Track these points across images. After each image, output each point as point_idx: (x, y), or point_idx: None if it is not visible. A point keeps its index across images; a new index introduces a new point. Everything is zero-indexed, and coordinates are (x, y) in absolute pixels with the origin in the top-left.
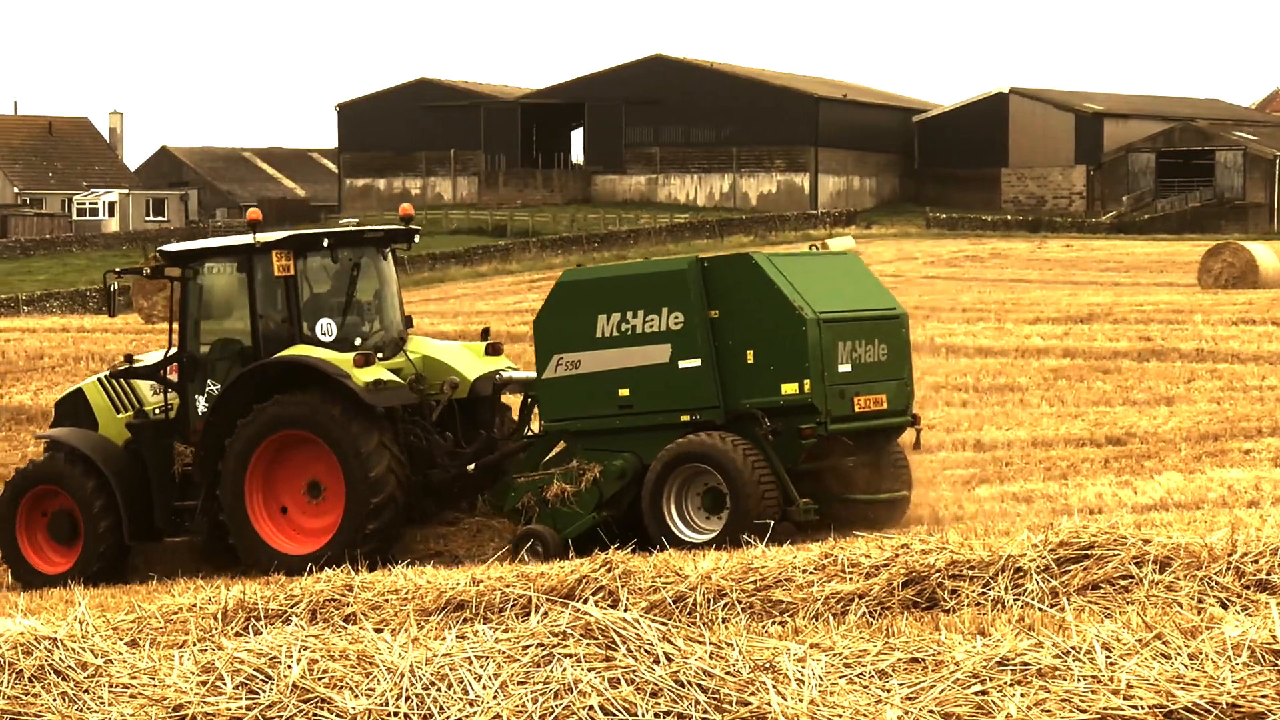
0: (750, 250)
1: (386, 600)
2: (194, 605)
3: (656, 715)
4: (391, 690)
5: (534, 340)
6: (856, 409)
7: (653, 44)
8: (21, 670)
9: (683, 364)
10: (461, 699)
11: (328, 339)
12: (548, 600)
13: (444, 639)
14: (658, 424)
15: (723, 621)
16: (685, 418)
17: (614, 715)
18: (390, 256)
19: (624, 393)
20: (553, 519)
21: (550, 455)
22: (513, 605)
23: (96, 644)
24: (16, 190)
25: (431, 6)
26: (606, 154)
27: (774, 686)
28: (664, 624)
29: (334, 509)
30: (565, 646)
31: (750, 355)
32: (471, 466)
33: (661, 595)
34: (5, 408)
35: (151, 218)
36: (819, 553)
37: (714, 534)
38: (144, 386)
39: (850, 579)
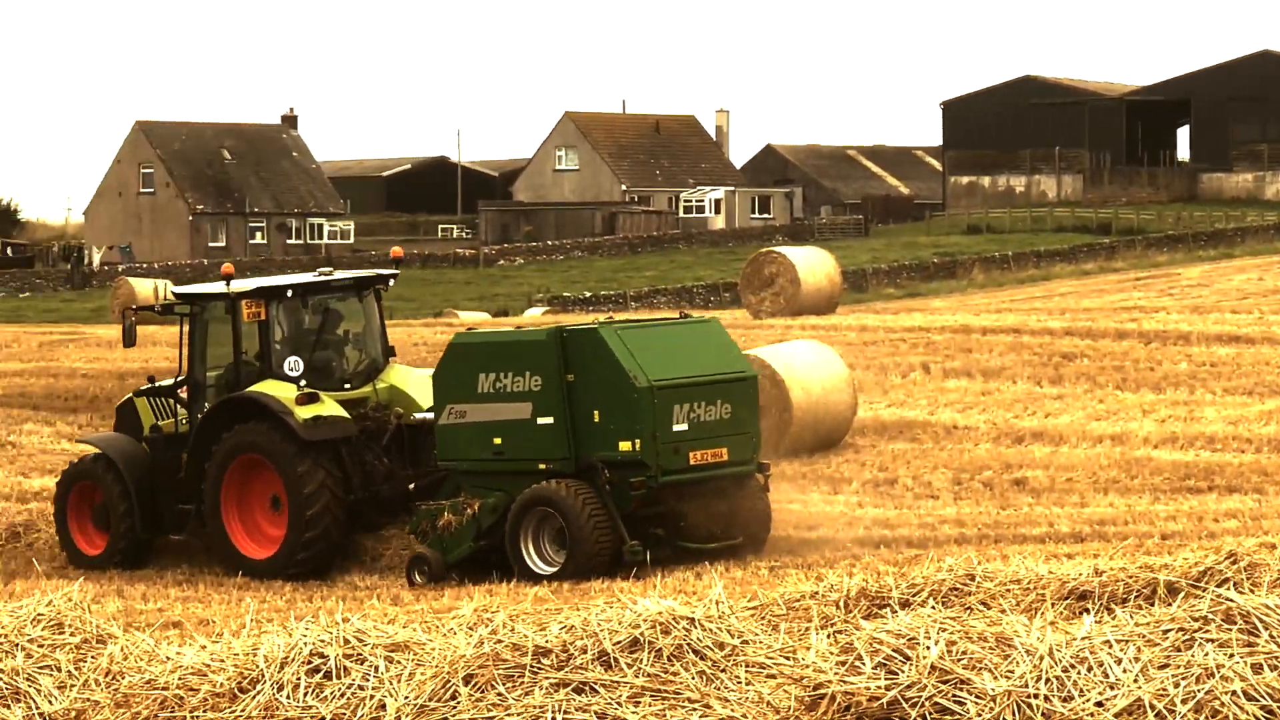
0: (601, 324)
1: (1008, 590)
2: (816, 593)
3: None
4: (1031, 672)
5: (433, 390)
6: (692, 462)
7: (1260, 40)
8: (660, 649)
9: (540, 420)
10: (1102, 682)
11: (295, 374)
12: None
13: (1081, 623)
14: (522, 470)
15: None
16: (543, 465)
17: (1257, 701)
18: (369, 297)
19: (497, 441)
20: (440, 544)
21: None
22: (1136, 596)
23: (733, 625)
24: (624, 188)
25: (1036, 3)
26: (1212, 151)
27: None
28: None
29: (285, 521)
30: (1206, 631)
31: (596, 415)
32: (412, 486)
33: None
34: None
35: (757, 215)
36: None
37: (559, 567)
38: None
39: None
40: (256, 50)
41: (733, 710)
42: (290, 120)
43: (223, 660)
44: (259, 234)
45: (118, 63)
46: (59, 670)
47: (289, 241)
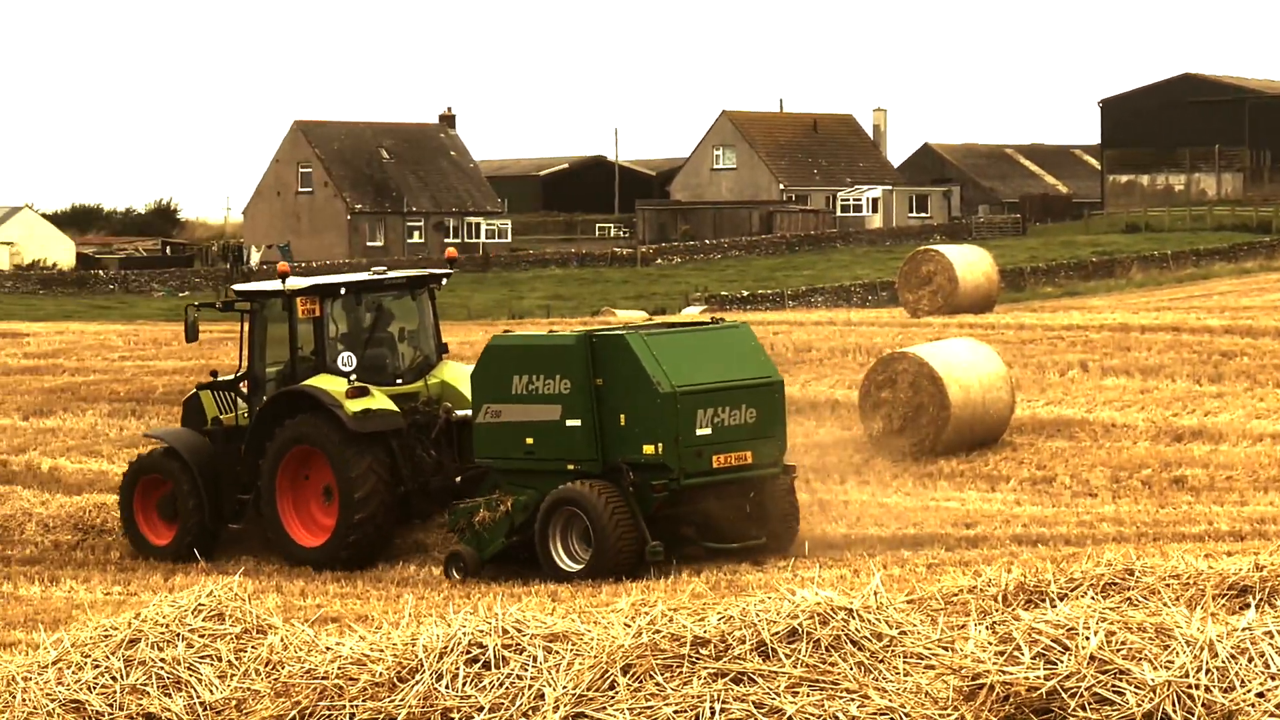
0: (628, 330)
1: (1168, 584)
2: (974, 588)
3: None
4: (1191, 663)
5: (471, 389)
6: (715, 465)
7: None
8: (819, 639)
9: (569, 422)
10: (1263, 673)
11: (348, 369)
12: None
13: (1242, 616)
14: (552, 469)
15: None
16: (571, 466)
17: None
18: (422, 295)
19: (529, 441)
20: (476, 541)
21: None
22: None
23: (891, 615)
24: (782, 187)
25: (1196, 0)
26: None
27: None
28: None
29: (336, 510)
30: None
31: (623, 419)
32: (459, 479)
33: None
34: None
35: (914, 214)
36: None
37: (584, 565)
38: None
39: None
40: (415, 50)
41: (890, 700)
42: (448, 120)
43: (382, 650)
44: (416, 233)
45: (277, 63)
46: (219, 660)
47: (446, 241)
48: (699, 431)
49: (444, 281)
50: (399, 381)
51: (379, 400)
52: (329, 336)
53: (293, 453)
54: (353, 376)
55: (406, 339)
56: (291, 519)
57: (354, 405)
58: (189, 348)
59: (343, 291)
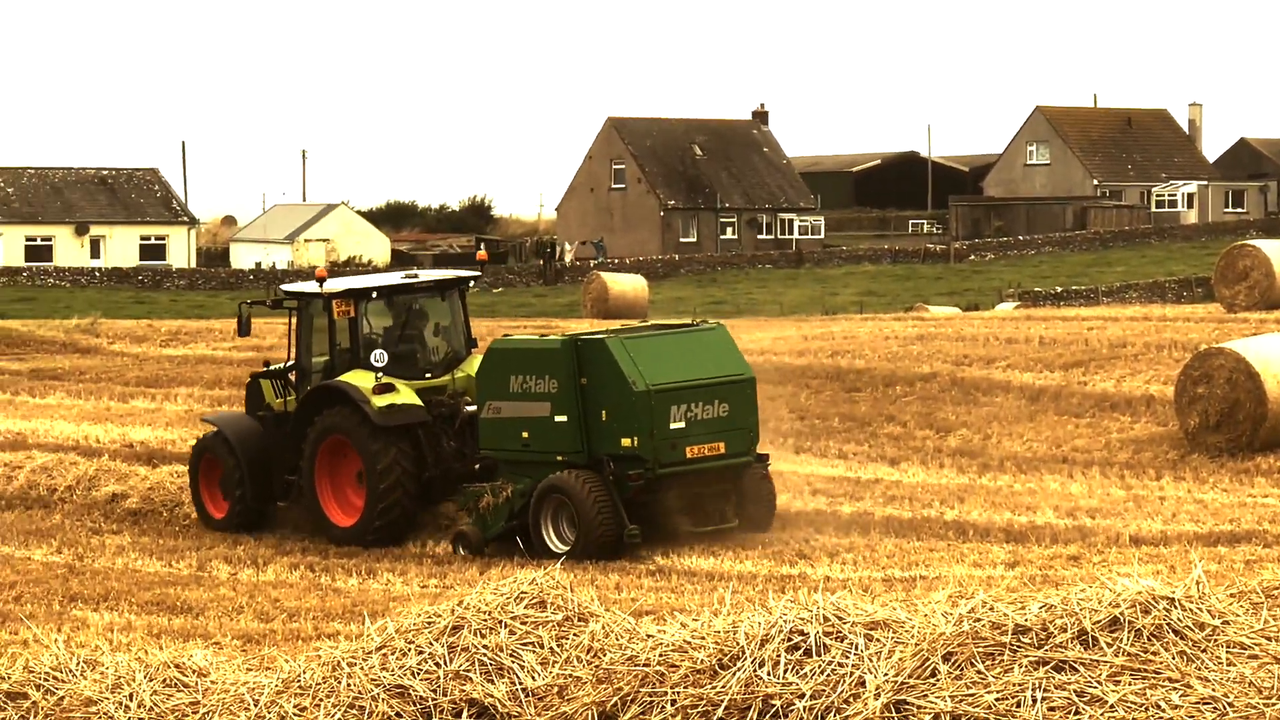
0: (609, 335)
1: None
2: None
3: None
4: None
5: (476, 387)
6: (688, 456)
7: None
8: (1140, 629)
9: (557, 418)
10: None
11: (380, 365)
12: None
13: None
14: (543, 460)
15: None
16: (560, 457)
17: None
18: (452, 296)
19: (525, 435)
20: (481, 522)
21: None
22: None
23: (1214, 605)
24: (1095, 183)
25: None
26: None
27: None
28: None
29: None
30: None
31: (604, 415)
32: (477, 466)
33: None
34: (1089, 394)
35: (1229, 210)
36: None
37: (570, 547)
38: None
39: None
40: (727, 47)
41: (1213, 690)
42: (761, 116)
43: (703, 638)
44: (729, 229)
45: (590, 60)
46: (541, 646)
47: (759, 237)
48: (673, 425)
49: (471, 284)
50: (428, 375)
51: (404, 395)
52: (363, 334)
53: (328, 441)
54: (379, 374)
55: (440, 335)
56: (329, 500)
57: (380, 400)
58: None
59: (374, 295)
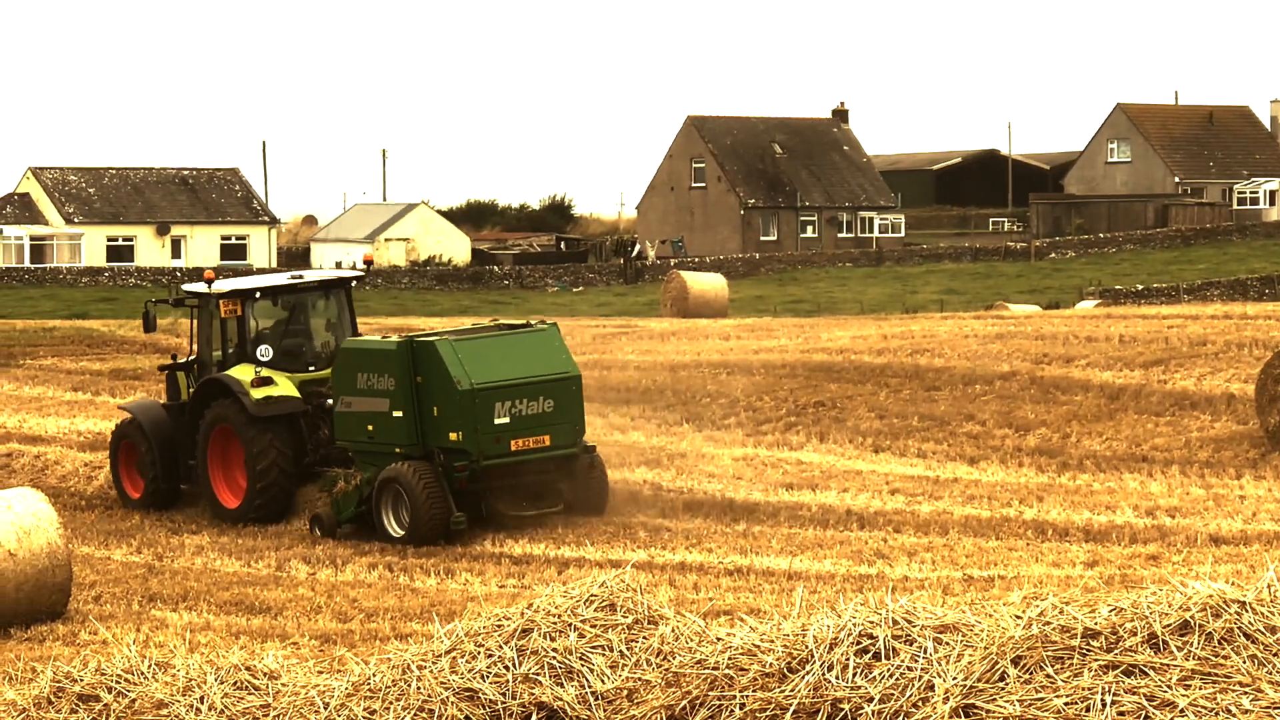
0: (440, 337)
1: None
2: None
3: None
4: None
5: (332, 382)
6: (513, 449)
7: None
8: (1210, 632)
9: (395, 413)
10: None
11: (265, 359)
12: None
13: None
14: (385, 452)
15: None
16: (398, 450)
17: None
18: (338, 294)
19: (370, 428)
20: (335, 506)
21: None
22: None
23: None
24: (1177, 180)
25: None
26: None
27: None
28: None
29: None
30: None
31: (435, 410)
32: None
33: None
34: (1169, 393)
35: None
36: None
37: (405, 533)
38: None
39: None
40: (807, 45)
41: None
42: (841, 114)
43: (772, 641)
44: (809, 228)
45: (670, 58)
46: (611, 650)
47: (840, 235)
48: (497, 420)
49: (354, 284)
50: (311, 369)
51: (281, 387)
52: (250, 331)
53: (218, 429)
54: (259, 369)
55: (326, 331)
56: (220, 482)
57: (258, 393)
58: (585, 343)
59: (258, 295)
